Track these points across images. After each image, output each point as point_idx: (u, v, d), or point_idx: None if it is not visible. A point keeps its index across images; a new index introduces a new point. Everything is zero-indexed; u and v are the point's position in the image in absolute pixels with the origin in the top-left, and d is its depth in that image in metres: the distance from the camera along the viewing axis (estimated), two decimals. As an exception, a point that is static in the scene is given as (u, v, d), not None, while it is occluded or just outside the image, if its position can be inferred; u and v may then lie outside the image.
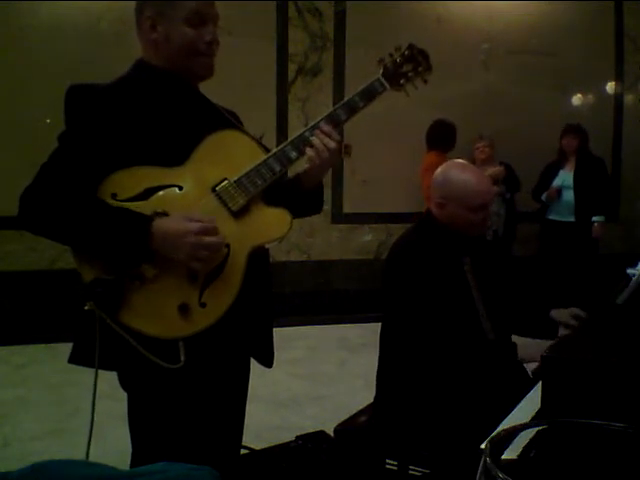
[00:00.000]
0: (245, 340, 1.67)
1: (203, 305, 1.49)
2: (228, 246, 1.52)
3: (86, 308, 1.42)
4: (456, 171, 2.15)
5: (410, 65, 1.70)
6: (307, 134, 1.60)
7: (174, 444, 1.55)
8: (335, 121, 1.62)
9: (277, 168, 1.56)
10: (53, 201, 1.44)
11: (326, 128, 1.61)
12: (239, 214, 1.55)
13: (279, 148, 1.58)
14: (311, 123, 1.62)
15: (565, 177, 5.48)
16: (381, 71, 1.67)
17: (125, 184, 1.49)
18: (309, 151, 1.60)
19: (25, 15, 5.02)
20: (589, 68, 6.40)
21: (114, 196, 1.48)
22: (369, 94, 1.65)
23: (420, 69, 1.70)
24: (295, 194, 1.71)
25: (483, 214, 2.13)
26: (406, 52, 1.70)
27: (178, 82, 1.61)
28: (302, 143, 1.60)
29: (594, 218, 5.42)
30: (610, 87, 6.63)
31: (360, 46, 5.80)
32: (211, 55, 1.60)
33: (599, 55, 6.45)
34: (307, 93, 5.81)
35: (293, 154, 1.59)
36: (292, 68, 5.79)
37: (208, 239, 1.44)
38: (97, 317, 1.43)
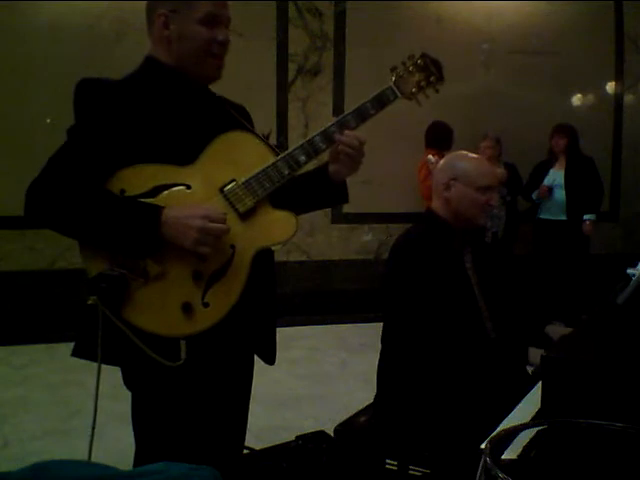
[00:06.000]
0: (248, 339, 1.67)
1: (206, 305, 1.49)
2: (233, 247, 1.52)
3: (89, 302, 1.43)
4: (461, 156, 2.23)
5: (422, 74, 1.68)
6: (317, 139, 1.60)
7: (178, 443, 1.55)
8: (345, 127, 1.62)
9: (286, 171, 1.56)
10: (62, 192, 1.44)
11: (347, 138, 1.61)
12: (246, 216, 1.55)
13: (288, 152, 1.58)
14: (320, 129, 1.61)
15: (555, 176, 5.50)
16: (393, 79, 1.66)
17: (134, 181, 1.49)
18: (343, 149, 1.61)
19: (25, 15, 5.02)
20: (589, 68, 6.40)
21: (122, 192, 1.48)
22: (380, 102, 1.64)
23: (432, 79, 1.69)
24: (322, 186, 1.71)
25: (488, 196, 2.16)
26: (419, 61, 1.69)
27: (188, 81, 1.61)
28: (311, 148, 1.59)
29: (585, 216, 5.44)
30: (610, 87, 6.64)
31: (360, 46, 5.80)
32: (222, 56, 1.61)
33: (599, 55, 6.45)
34: (307, 93, 5.81)
35: (302, 158, 1.58)
36: (292, 68, 5.79)
37: (213, 224, 1.45)
38: (100, 312, 1.44)
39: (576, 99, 6.59)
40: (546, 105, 6.18)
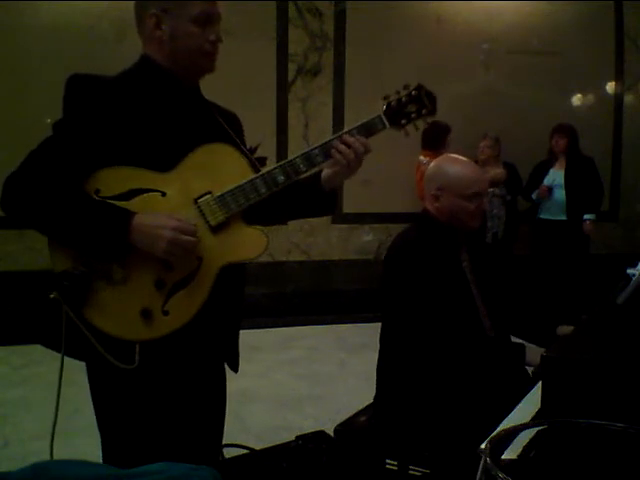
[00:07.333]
0: (211, 345, 1.65)
1: (166, 313, 1.50)
2: (200, 259, 1.52)
3: (51, 297, 1.44)
4: (448, 163, 2.21)
5: (414, 106, 1.65)
6: (298, 160, 1.58)
7: (138, 443, 1.55)
8: (328, 152, 1.60)
9: (262, 190, 1.55)
10: (35, 188, 1.44)
11: (351, 139, 1.59)
12: (217, 229, 1.54)
13: (267, 170, 1.57)
14: (302, 151, 1.59)
15: (555, 176, 5.50)
16: (384, 108, 1.63)
17: (110, 182, 1.49)
18: (336, 155, 1.58)
19: (25, 15, 5.02)
20: (589, 68, 6.40)
21: (97, 192, 1.48)
22: (368, 130, 1.62)
23: (424, 112, 1.66)
24: (312, 194, 1.70)
25: (478, 202, 2.16)
26: (413, 92, 1.65)
27: (181, 84, 1.60)
28: (292, 169, 1.57)
29: (586, 216, 5.45)
30: (610, 87, 6.63)
31: (360, 46, 5.80)
32: (215, 54, 1.60)
33: (599, 55, 6.45)
34: (307, 93, 5.81)
35: (281, 178, 1.56)
36: (292, 68, 5.78)
37: (183, 237, 1.45)
38: (63, 309, 1.46)
39: (576, 99, 6.59)
40: (546, 105, 6.17)
